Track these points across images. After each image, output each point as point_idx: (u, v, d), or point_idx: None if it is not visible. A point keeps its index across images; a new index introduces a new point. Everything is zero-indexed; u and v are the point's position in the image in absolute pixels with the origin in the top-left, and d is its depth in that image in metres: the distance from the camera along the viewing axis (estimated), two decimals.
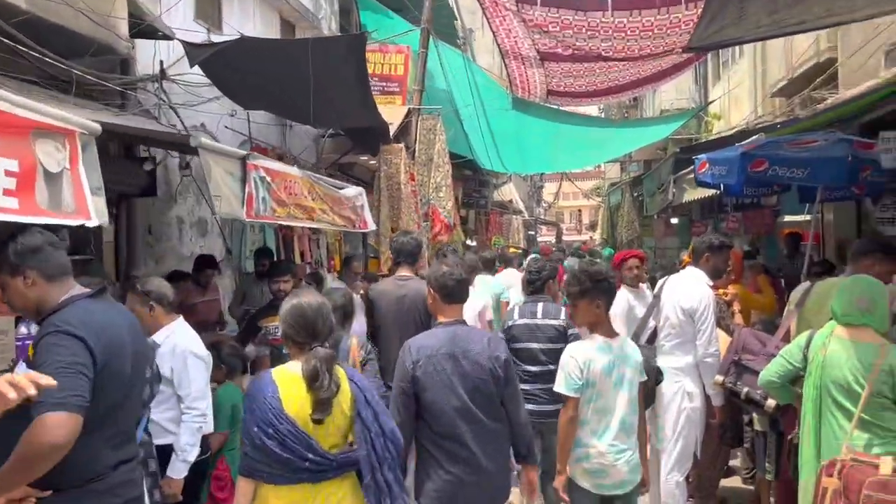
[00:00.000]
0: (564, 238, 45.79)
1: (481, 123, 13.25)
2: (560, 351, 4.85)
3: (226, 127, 7.63)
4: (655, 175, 10.71)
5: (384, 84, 10.78)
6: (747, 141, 5.20)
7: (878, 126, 6.19)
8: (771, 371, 3.37)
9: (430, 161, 9.18)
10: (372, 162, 8.81)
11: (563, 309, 4.81)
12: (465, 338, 3.22)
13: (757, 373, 3.64)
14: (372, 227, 6.20)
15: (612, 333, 3.48)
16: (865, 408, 2.90)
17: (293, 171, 4.68)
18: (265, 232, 8.29)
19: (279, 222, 4.75)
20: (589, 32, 8.69)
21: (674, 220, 15.26)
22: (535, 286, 5.05)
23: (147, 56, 6.25)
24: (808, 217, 9.57)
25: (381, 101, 9.99)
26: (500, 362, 3.19)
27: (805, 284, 4.23)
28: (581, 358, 3.35)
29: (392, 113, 9.12)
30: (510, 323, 4.91)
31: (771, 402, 3.67)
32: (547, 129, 13.10)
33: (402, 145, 8.33)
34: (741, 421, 4.53)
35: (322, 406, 2.58)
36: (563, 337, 4.66)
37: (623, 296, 5.61)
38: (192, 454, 3.59)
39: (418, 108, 9.15)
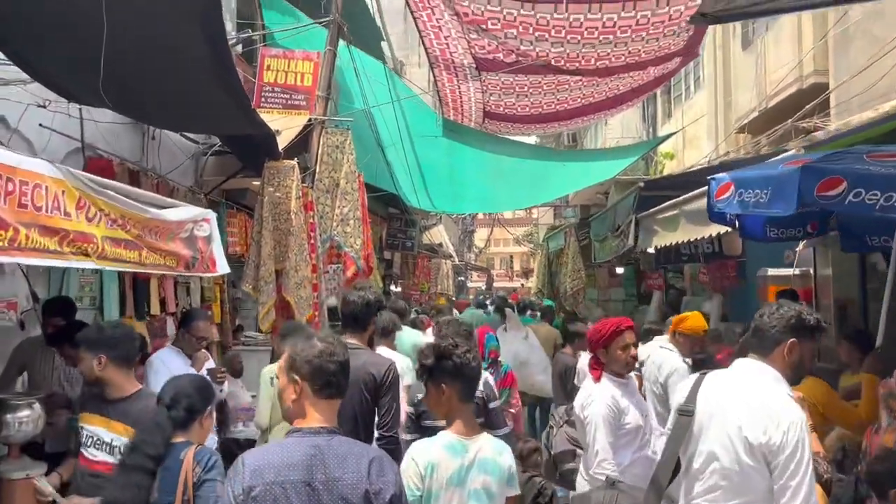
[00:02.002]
0: (495, 285, 44.39)
1: (406, 152, 11.44)
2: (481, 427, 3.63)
3: (41, 125, 5.48)
4: (608, 216, 9.04)
5: (287, 96, 8.77)
6: (784, 156, 3.46)
7: None
8: None
9: (335, 187, 7.20)
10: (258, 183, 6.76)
11: (486, 375, 4.19)
12: (335, 457, 2.18)
13: None
14: (223, 269, 4.14)
15: (469, 430, 2.74)
16: None
17: (35, 164, 2.59)
18: (102, 271, 6.08)
19: None
20: (537, 33, 6.99)
21: (620, 270, 13.66)
22: None
23: None
24: (794, 271, 8.02)
25: (284, 116, 8.04)
26: (382, 500, 2.18)
27: None
28: (422, 460, 2.65)
29: (286, 123, 7.15)
30: (420, 396, 3.97)
31: None
32: (483, 161, 11.34)
33: (293, 162, 6.33)
34: None
35: None
36: (481, 410, 3.95)
37: (607, 392, 3.58)
38: None
39: (322, 120, 7.19)
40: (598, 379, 3.58)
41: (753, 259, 9.55)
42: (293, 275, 6.06)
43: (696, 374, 2.66)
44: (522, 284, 43.33)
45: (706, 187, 4.91)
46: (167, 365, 4.45)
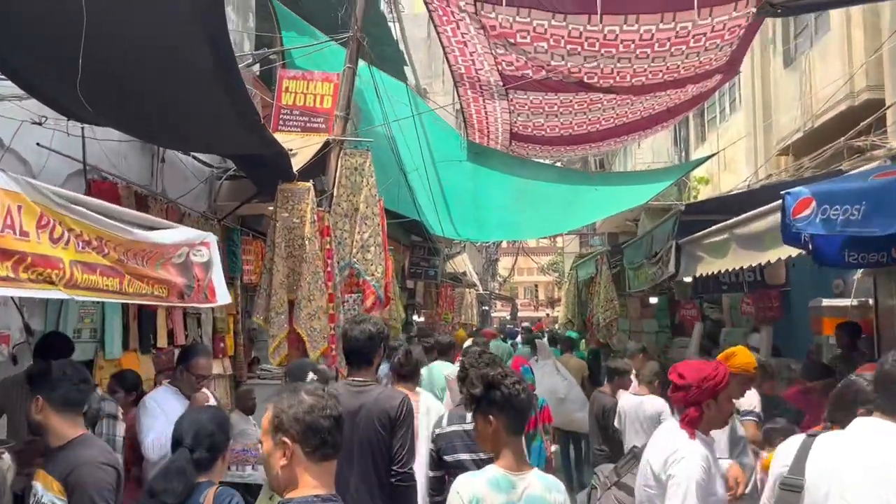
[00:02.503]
0: (519, 315, 43.65)
1: (429, 177, 11.03)
2: None
3: (39, 145, 5.11)
4: (643, 243, 8.50)
5: (306, 119, 8.41)
6: (868, 167, 2.94)
7: None
8: None
9: (354, 211, 6.76)
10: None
11: None
12: None
13: None
14: (224, 299, 3.68)
15: (518, 465, 2.55)
16: None
17: None
18: (103, 302, 5.67)
19: None
20: (569, 46, 6.54)
21: (653, 300, 13.04)
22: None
23: None
24: (851, 301, 7.39)
25: (301, 137, 7.68)
26: None
27: None
28: (467, 494, 2.47)
29: (303, 144, 6.76)
30: (437, 431, 3.94)
31: None
32: (509, 186, 10.88)
33: (308, 184, 5.90)
34: None
35: None
36: None
37: (700, 451, 2.85)
38: None
39: (340, 140, 6.78)
40: (693, 434, 2.89)
41: (798, 288, 8.96)
42: (306, 305, 5.60)
43: (802, 436, 2.12)
44: (548, 314, 42.61)
45: (769, 206, 4.40)
46: (162, 406, 3.99)
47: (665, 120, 8.70)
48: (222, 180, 7.96)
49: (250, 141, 5.00)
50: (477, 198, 11.61)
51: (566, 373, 8.34)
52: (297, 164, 6.06)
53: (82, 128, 5.38)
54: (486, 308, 35.99)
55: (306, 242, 5.73)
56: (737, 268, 5.33)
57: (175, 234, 3.25)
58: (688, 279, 9.96)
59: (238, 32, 8.89)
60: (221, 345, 7.72)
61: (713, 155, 9.49)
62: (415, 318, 16.78)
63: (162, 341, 6.54)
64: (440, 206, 11.89)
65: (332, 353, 6.07)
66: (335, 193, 6.69)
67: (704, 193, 12.23)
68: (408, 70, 14.06)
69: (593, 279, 12.02)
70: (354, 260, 6.57)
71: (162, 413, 3.94)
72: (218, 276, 3.60)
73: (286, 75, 8.42)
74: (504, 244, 39.97)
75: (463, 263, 23.79)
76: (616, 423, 5.43)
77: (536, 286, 52.34)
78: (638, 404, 5.20)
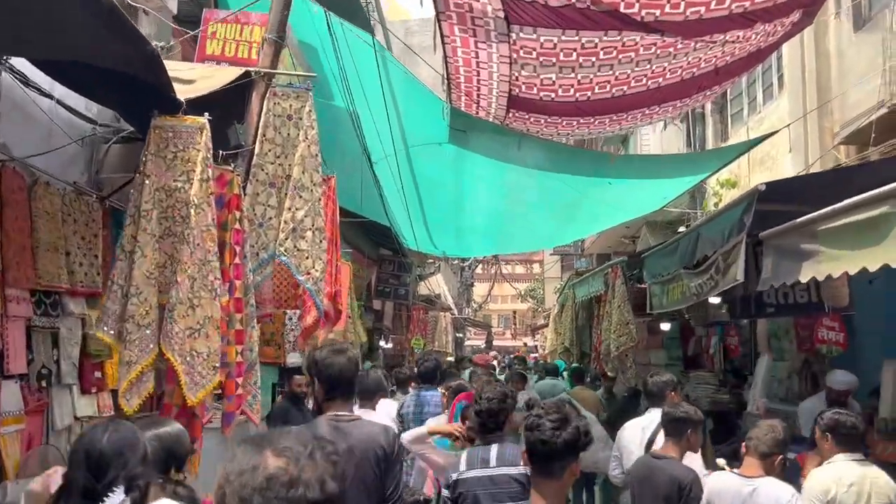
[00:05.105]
0: (495, 343, 41.42)
1: (401, 168, 8.91)
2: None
3: None
4: (681, 246, 6.36)
5: None
6: None
7: None
8: None
9: (285, 179, 4.54)
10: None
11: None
12: None
13: None
14: None
15: None
16: None
17: None
18: None
19: None
20: None
21: (664, 326, 10.90)
22: (488, 425, 3.61)
23: None
24: None
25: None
26: None
27: None
28: None
29: (204, 73, 4.57)
30: (455, 476, 3.44)
31: None
32: (499, 179, 8.78)
33: (202, 120, 3.66)
34: None
35: None
36: (526, 491, 3.07)
37: None
38: None
39: (268, 73, 4.57)
40: None
41: (865, 313, 7.03)
42: (184, 314, 3.32)
43: None
44: (525, 344, 40.46)
45: None
46: None
47: (710, 86, 6.67)
48: (110, 144, 5.68)
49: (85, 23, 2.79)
50: (459, 195, 9.51)
51: (580, 407, 6.63)
52: (190, 91, 3.85)
53: None
54: (461, 335, 33.75)
55: (192, 213, 3.48)
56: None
57: None
58: (715, 300, 7.97)
59: None
60: (97, 374, 5.38)
61: (776, 132, 7.42)
62: (382, 343, 14.57)
63: None
64: (413, 207, 9.76)
65: (239, 391, 3.84)
66: (257, 151, 4.48)
67: (729, 198, 10.22)
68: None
69: (599, 299, 9.85)
70: (281, 249, 4.33)
71: None
72: None
73: (213, 17, 6.40)
74: (479, 269, 37.91)
75: (437, 285, 21.61)
76: None
77: (514, 313, 50.10)
78: (748, 493, 3.00)
